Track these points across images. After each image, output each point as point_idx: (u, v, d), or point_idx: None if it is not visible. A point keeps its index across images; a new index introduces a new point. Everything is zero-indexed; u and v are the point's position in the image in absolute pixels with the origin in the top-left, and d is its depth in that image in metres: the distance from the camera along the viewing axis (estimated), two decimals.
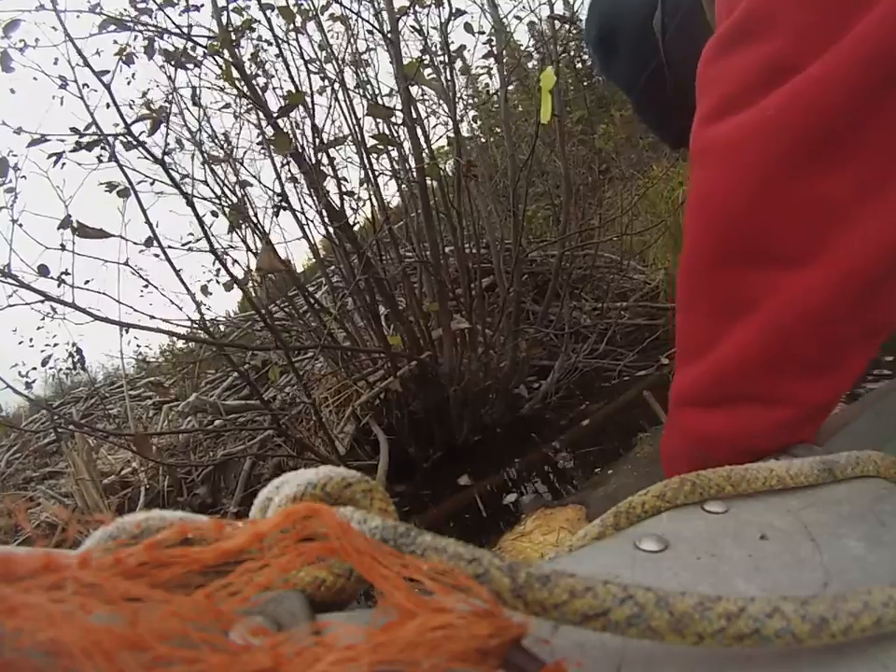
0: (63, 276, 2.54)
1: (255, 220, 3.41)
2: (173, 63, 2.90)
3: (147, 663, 0.20)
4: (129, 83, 3.45)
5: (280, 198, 3.30)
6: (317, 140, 3.21)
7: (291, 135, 3.18)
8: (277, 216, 3.35)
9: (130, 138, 2.54)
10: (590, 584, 0.26)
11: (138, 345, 7.01)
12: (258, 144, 3.17)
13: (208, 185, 3.38)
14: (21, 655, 0.20)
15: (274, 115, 2.94)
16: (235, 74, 2.95)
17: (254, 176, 3.65)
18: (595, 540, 0.42)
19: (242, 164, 3.67)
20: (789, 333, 0.54)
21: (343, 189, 3.24)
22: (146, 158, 2.63)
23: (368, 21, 3.33)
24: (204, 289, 3.41)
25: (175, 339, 5.27)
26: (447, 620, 0.23)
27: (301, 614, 0.27)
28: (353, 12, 3.35)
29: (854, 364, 0.56)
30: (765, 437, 0.57)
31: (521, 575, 0.26)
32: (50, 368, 5.77)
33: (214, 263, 3.46)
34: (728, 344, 0.56)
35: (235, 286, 3.09)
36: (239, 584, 0.24)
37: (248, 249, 3.47)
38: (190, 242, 2.86)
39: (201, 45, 2.82)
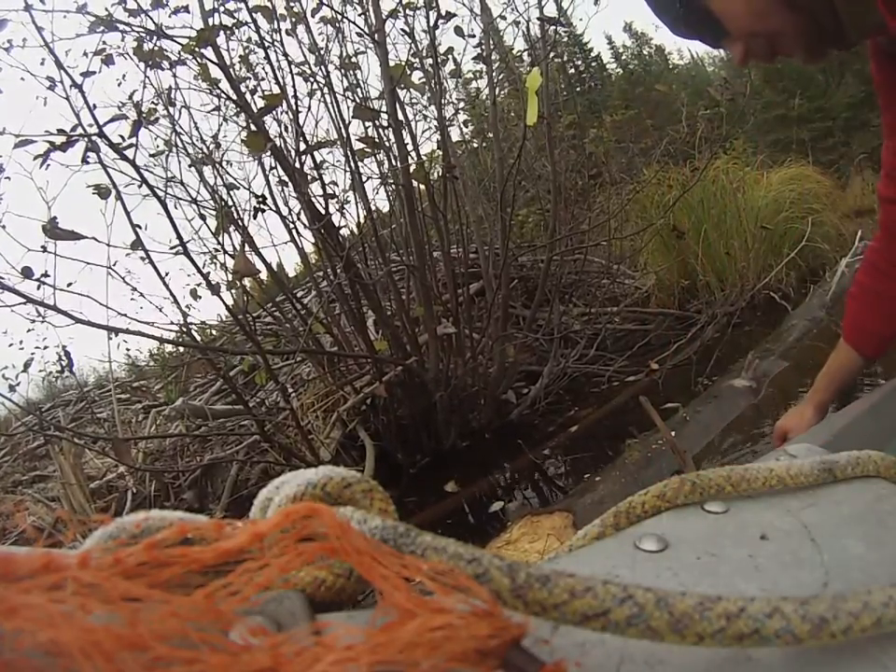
0: (43, 279, 2.52)
1: (239, 223, 3.40)
2: (150, 63, 2.89)
3: (146, 663, 0.20)
4: (119, 84, 3.41)
5: (259, 200, 3.29)
6: (301, 143, 3.21)
7: (279, 138, 3.18)
8: (256, 217, 3.34)
9: (103, 139, 2.53)
10: (590, 584, 0.26)
11: (128, 349, 6.98)
12: (242, 142, 3.16)
13: (188, 188, 3.38)
14: (21, 655, 0.20)
15: (255, 116, 2.94)
16: (216, 73, 2.95)
17: (237, 180, 3.64)
18: (595, 540, 0.42)
19: (230, 165, 3.66)
20: None
21: (327, 192, 3.24)
22: (121, 159, 2.62)
23: (354, 23, 3.34)
24: (194, 293, 3.40)
25: (163, 343, 5.24)
26: (447, 620, 0.23)
27: (301, 614, 0.27)
28: (340, 14, 3.35)
29: None
30: None
31: (521, 575, 0.26)
32: (41, 371, 5.74)
33: (204, 266, 3.45)
34: None
35: (224, 288, 3.09)
36: (239, 584, 0.24)
37: (226, 252, 3.46)
38: (178, 245, 2.84)
39: (180, 43, 2.82)
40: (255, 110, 2.97)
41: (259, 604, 0.27)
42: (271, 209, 3.42)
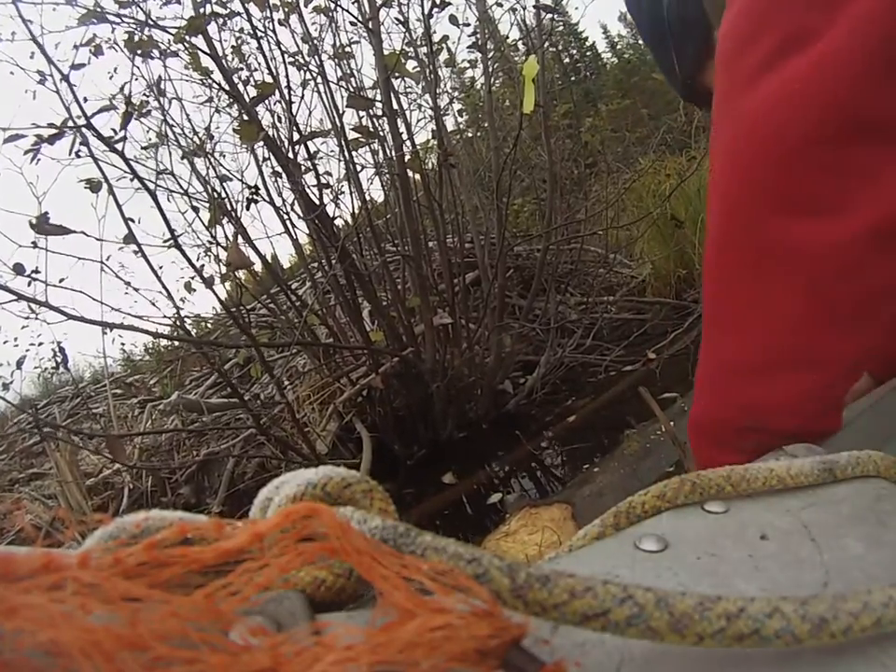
0: (35, 274, 2.50)
1: (233, 215, 3.38)
2: (139, 53, 2.87)
3: (146, 663, 0.20)
4: (111, 77, 3.38)
5: (252, 190, 3.28)
6: (294, 133, 3.20)
7: (272, 129, 3.16)
8: (248, 208, 3.33)
9: (91, 130, 2.51)
10: (590, 584, 0.26)
11: (122, 344, 7.00)
12: (234, 132, 3.15)
13: (179, 180, 3.36)
14: (21, 655, 0.20)
15: (248, 105, 2.93)
16: (207, 62, 2.94)
17: (230, 171, 3.62)
18: (595, 540, 0.42)
19: (223, 156, 3.64)
20: (827, 289, 0.53)
21: (321, 182, 3.23)
22: (109, 150, 2.60)
23: (348, 12, 3.32)
24: (188, 286, 3.39)
25: (157, 337, 5.24)
26: (447, 620, 0.23)
27: (300, 614, 0.27)
28: (333, 2, 3.33)
29: (883, 318, 0.55)
30: (816, 401, 0.56)
31: (521, 575, 0.26)
32: (36, 368, 5.74)
33: (198, 259, 3.44)
34: (773, 308, 0.56)
35: (217, 280, 3.08)
36: (239, 584, 0.24)
37: (218, 244, 3.43)
38: (170, 239, 2.82)
39: (171, 34, 2.80)
40: (247, 100, 2.96)
41: (259, 604, 0.27)
42: (264, 199, 3.41)
